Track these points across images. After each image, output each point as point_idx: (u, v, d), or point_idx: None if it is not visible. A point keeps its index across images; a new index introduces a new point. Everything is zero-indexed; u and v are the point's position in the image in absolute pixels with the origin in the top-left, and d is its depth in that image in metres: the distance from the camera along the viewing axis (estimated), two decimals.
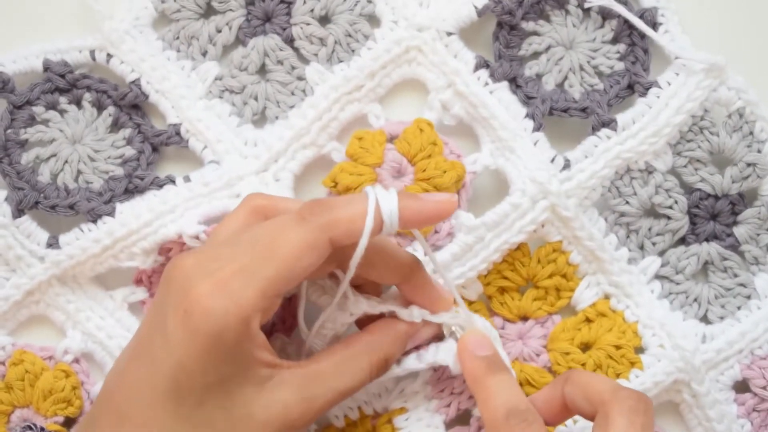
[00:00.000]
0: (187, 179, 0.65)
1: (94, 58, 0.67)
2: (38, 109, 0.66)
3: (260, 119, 0.68)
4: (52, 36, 0.67)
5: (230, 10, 0.68)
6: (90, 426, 0.55)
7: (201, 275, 0.51)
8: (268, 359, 0.53)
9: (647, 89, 0.67)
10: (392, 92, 0.68)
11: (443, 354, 0.58)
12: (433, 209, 0.56)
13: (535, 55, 0.68)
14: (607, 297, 0.66)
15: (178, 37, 0.68)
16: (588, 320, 0.65)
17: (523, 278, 0.65)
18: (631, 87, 0.67)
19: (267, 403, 0.52)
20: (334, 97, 0.66)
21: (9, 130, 0.65)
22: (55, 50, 0.67)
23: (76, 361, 0.65)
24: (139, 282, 0.65)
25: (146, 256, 0.63)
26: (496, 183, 0.67)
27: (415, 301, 0.59)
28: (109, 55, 0.67)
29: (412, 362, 0.58)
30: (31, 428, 0.59)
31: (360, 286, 0.60)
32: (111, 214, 0.64)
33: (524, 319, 0.66)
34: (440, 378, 0.61)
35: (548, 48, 0.68)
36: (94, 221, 0.65)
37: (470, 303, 0.65)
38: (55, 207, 0.65)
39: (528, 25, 0.68)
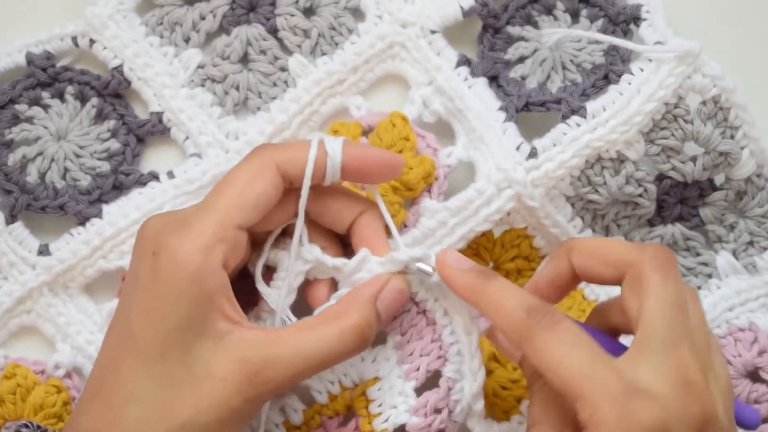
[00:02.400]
0: (170, 175, 0.66)
1: (77, 45, 0.67)
2: (21, 107, 0.66)
3: (242, 110, 0.68)
4: (37, 26, 0.67)
5: None
6: (77, 408, 0.56)
7: (168, 220, 0.54)
8: (229, 311, 0.53)
9: (619, 76, 0.64)
10: (375, 86, 0.68)
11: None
12: (376, 161, 0.57)
13: (521, 59, 0.68)
14: None
15: (161, 23, 0.68)
16: None
17: (486, 262, 0.66)
18: (607, 77, 0.66)
19: (225, 359, 0.52)
20: (316, 91, 0.67)
21: None
22: (36, 42, 0.67)
23: (68, 376, 0.64)
24: None
25: None
26: (471, 178, 0.66)
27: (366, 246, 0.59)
28: (92, 41, 0.67)
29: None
30: (27, 426, 0.60)
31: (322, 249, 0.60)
32: (98, 215, 0.65)
33: None
34: (409, 340, 0.61)
35: (534, 51, 0.68)
36: (83, 224, 0.65)
37: None
38: (45, 208, 0.65)
39: (514, 30, 0.68)
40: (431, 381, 0.60)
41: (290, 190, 0.56)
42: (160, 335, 0.52)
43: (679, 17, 0.67)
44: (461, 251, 0.63)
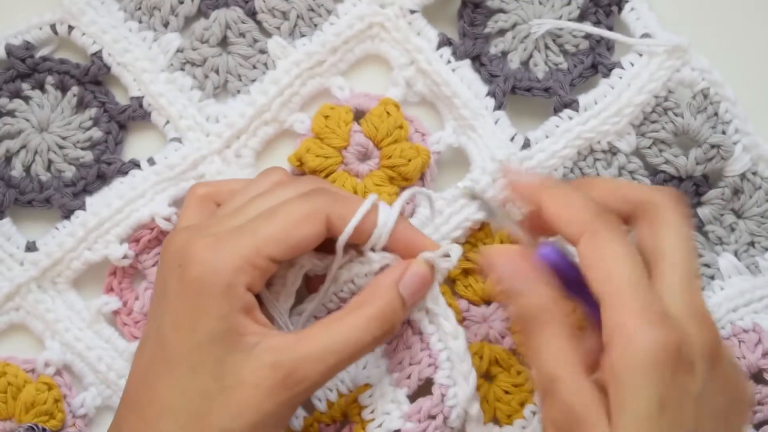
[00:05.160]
0: (151, 162, 0.66)
1: (55, 32, 0.67)
2: (2, 101, 0.66)
3: (222, 93, 0.68)
4: (15, 17, 0.67)
5: None
6: (114, 422, 0.56)
7: (199, 235, 0.54)
8: (256, 324, 0.53)
9: (610, 70, 0.66)
10: (355, 66, 0.68)
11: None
12: (421, 246, 0.57)
13: (501, 32, 0.68)
14: None
15: (140, 8, 0.67)
16: None
17: None
18: (595, 66, 0.67)
19: (256, 366, 0.52)
20: (295, 73, 0.66)
21: None
22: (15, 33, 0.67)
23: (59, 373, 0.65)
24: (110, 291, 0.66)
25: (120, 243, 0.65)
26: (459, 162, 0.67)
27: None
28: (71, 28, 0.67)
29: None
30: (33, 429, 0.61)
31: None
32: (82, 207, 0.65)
33: (488, 302, 0.66)
34: (396, 349, 0.62)
35: (514, 25, 0.67)
36: (68, 217, 0.66)
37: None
38: (32, 202, 0.66)
39: (493, 3, 0.67)
40: (424, 387, 0.61)
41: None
42: (191, 349, 0.52)
43: (665, 17, 0.68)
44: (461, 244, 0.65)
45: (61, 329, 0.65)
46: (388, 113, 0.65)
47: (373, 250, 0.58)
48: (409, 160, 0.64)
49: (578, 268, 0.52)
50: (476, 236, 0.66)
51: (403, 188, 0.65)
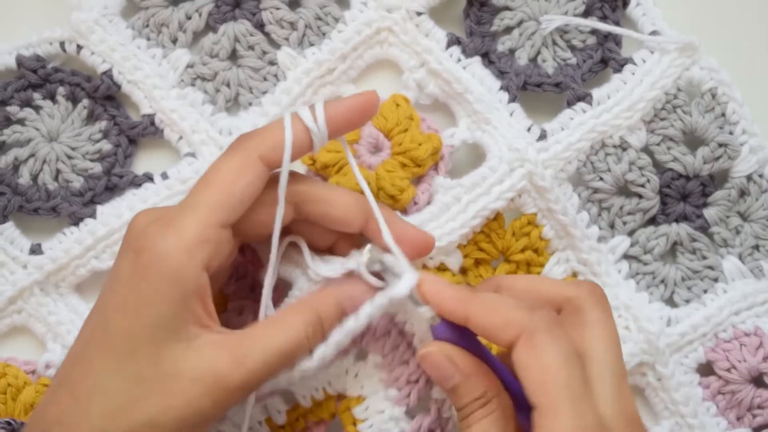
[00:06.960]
0: (165, 176, 0.66)
1: (64, 50, 0.67)
2: (13, 109, 0.66)
3: (233, 106, 0.68)
4: (22, 27, 0.68)
5: None
6: (44, 398, 0.55)
7: (153, 219, 0.53)
8: (202, 315, 0.52)
9: (622, 66, 0.67)
10: (366, 72, 0.69)
11: (396, 289, 0.55)
12: (354, 104, 0.56)
13: (508, 30, 0.69)
14: (575, 275, 0.67)
15: (147, 25, 0.68)
16: None
17: (498, 250, 0.66)
18: (604, 61, 0.68)
19: (195, 360, 0.51)
20: (306, 82, 0.67)
21: None
22: (26, 45, 0.67)
23: None
24: None
25: None
26: (475, 158, 0.67)
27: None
28: (79, 47, 0.67)
29: (366, 308, 0.55)
30: (10, 423, 0.60)
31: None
32: (92, 216, 0.65)
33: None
34: (392, 362, 0.61)
35: (520, 22, 0.68)
36: (76, 224, 0.65)
37: (452, 275, 0.65)
38: (38, 210, 0.66)
39: (499, 0, 0.68)
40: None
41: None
42: (134, 332, 0.51)
43: (669, 15, 0.69)
44: (475, 235, 0.65)
45: (63, 332, 0.65)
46: (397, 105, 0.65)
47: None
48: (420, 144, 0.64)
49: (478, 342, 0.53)
50: (489, 226, 0.66)
51: (416, 175, 0.65)
